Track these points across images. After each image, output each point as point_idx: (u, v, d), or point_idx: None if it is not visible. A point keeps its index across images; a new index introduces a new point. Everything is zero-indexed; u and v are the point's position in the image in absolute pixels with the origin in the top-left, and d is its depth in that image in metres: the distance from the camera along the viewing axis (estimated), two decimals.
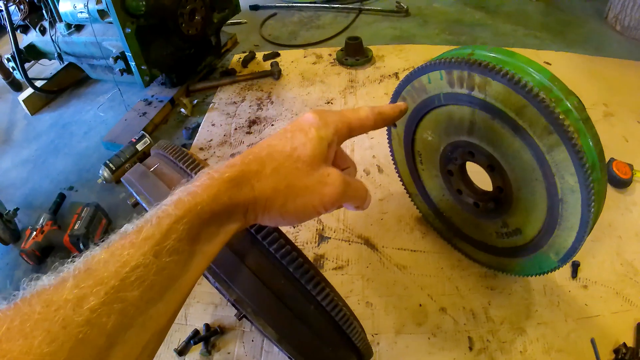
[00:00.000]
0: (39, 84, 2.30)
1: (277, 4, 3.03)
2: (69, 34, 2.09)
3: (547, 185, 0.81)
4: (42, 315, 0.36)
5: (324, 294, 0.62)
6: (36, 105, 2.33)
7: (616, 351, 0.99)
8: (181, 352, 1.08)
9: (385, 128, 1.16)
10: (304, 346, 0.66)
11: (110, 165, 1.65)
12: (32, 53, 2.31)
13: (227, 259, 0.62)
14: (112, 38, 1.92)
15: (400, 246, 1.27)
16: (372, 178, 1.51)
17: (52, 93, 2.37)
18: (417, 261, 1.23)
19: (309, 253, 1.28)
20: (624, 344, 0.99)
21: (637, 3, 2.18)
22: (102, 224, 1.47)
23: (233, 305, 1.01)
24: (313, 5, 2.97)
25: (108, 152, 1.85)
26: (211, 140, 1.81)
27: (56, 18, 2.07)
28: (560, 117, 0.71)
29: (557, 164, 0.76)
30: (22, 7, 2.11)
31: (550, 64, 2.00)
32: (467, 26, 2.57)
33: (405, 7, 2.72)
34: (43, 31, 2.20)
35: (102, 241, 0.44)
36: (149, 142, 1.76)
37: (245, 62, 2.33)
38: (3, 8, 2.05)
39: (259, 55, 2.39)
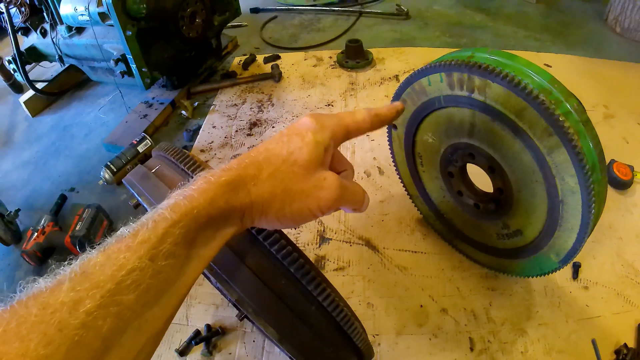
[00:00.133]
0: (40, 86, 2.30)
1: (277, 7, 3.04)
2: (70, 36, 2.09)
3: (547, 186, 0.81)
4: (38, 317, 0.36)
5: (325, 294, 0.63)
6: (37, 107, 2.33)
7: (617, 352, 0.99)
8: (182, 352, 1.08)
9: (386, 130, 1.16)
10: (305, 346, 0.66)
11: (112, 166, 1.65)
12: (33, 55, 2.32)
13: (228, 260, 0.62)
14: (113, 40, 1.93)
15: (401, 247, 1.27)
16: (372, 180, 1.51)
17: (53, 95, 2.38)
18: (418, 262, 1.23)
19: (310, 254, 1.28)
20: (625, 345, 0.99)
21: (637, 5, 2.18)
22: (103, 225, 1.47)
23: (234, 305, 1.01)
24: (313, 8, 2.97)
25: (109, 154, 1.85)
26: (212, 142, 1.81)
27: (57, 20, 2.08)
28: (560, 119, 0.71)
29: (558, 165, 0.76)
30: (23, 9, 2.12)
31: (550, 66, 2.00)
32: (467, 28, 2.57)
33: (406, 9, 2.72)
34: (44, 33, 2.21)
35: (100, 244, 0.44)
36: (150, 144, 1.76)
37: (245, 65, 2.34)
38: (4, 10, 2.05)
39: (260, 58, 2.39)
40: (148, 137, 1.78)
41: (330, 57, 2.31)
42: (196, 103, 2.10)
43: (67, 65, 2.32)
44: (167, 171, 0.75)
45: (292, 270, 0.61)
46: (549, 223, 0.86)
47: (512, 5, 2.79)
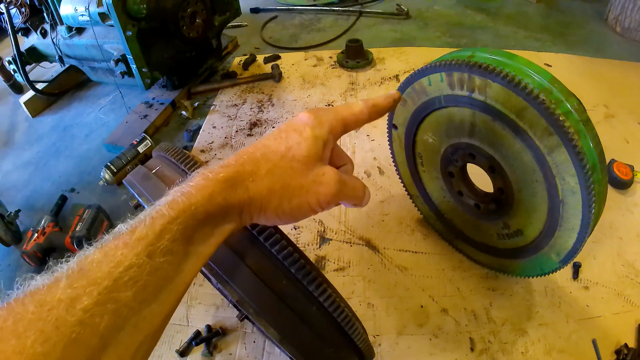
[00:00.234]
0: (40, 86, 2.30)
1: (277, 7, 3.04)
2: (70, 36, 2.09)
3: (547, 186, 0.81)
4: (35, 315, 0.36)
5: (325, 294, 0.62)
6: (37, 107, 2.33)
7: (617, 352, 0.99)
8: (183, 353, 1.08)
9: (386, 130, 1.16)
10: (305, 347, 0.66)
11: (112, 167, 1.65)
12: (33, 56, 2.32)
13: (228, 260, 0.62)
14: (113, 41, 1.93)
15: (402, 248, 1.27)
16: (373, 180, 1.51)
17: (53, 95, 2.38)
18: (418, 262, 1.23)
19: (311, 254, 1.28)
20: (626, 345, 0.99)
21: (637, 5, 2.18)
22: (103, 225, 1.47)
23: (235, 306, 1.01)
24: (314, 8, 2.97)
25: (109, 154, 1.85)
26: (212, 142, 1.81)
27: (57, 21, 2.08)
28: (561, 119, 0.71)
29: (558, 165, 0.76)
30: (23, 10, 2.12)
31: (550, 66, 2.00)
32: (467, 29, 2.57)
33: (406, 9, 2.72)
34: (44, 34, 2.21)
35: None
36: (150, 144, 1.76)
37: (246, 65, 2.34)
38: (4, 11, 2.05)
39: (260, 58, 2.39)
40: (148, 138, 1.78)
41: (331, 57, 2.31)
42: (196, 103, 2.10)
43: (67, 65, 2.32)
44: (167, 171, 0.75)
45: (292, 270, 0.61)
46: (549, 223, 0.85)
47: (512, 6, 2.79)
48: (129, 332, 0.41)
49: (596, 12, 2.58)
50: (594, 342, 1.01)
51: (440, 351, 1.04)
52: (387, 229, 1.33)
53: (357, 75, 2.13)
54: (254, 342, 1.09)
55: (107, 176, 1.65)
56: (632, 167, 1.38)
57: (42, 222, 1.49)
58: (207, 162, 1.69)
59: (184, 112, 2.03)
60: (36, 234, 1.43)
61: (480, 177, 1.03)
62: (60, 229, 1.49)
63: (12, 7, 2.10)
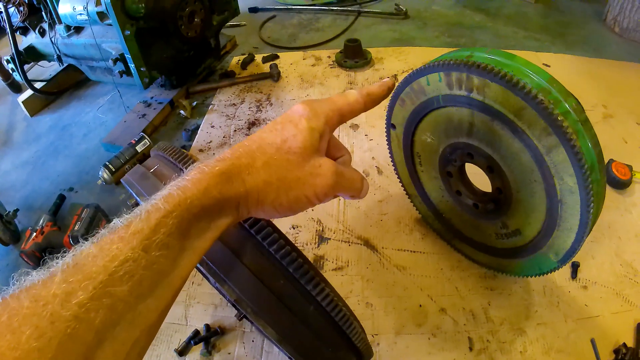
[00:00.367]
0: (38, 85, 2.31)
1: (276, 7, 3.04)
2: (69, 35, 2.09)
3: (546, 186, 0.81)
4: (30, 310, 0.36)
5: (323, 294, 0.62)
6: (36, 106, 2.33)
7: (616, 351, 0.99)
8: (181, 352, 1.08)
9: (385, 130, 1.16)
10: (304, 346, 0.66)
11: (110, 166, 1.65)
12: (32, 55, 2.31)
13: (226, 259, 0.62)
14: (111, 40, 1.93)
15: (400, 247, 1.27)
16: (371, 179, 1.51)
17: (52, 95, 2.38)
18: (416, 262, 1.23)
19: (309, 254, 1.28)
20: (624, 344, 0.99)
21: (636, 5, 2.19)
22: (102, 225, 1.47)
23: (233, 305, 1.01)
24: (312, 7, 2.97)
25: (108, 153, 1.85)
26: (210, 141, 1.81)
27: (55, 20, 2.07)
28: (559, 119, 0.71)
29: (556, 165, 0.76)
30: (21, 8, 2.11)
31: (549, 66, 2.00)
32: (466, 29, 2.57)
33: (404, 9, 2.72)
34: (42, 33, 2.21)
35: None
36: (148, 143, 1.76)
37: (244, 64, 2.34)
38: (2, 10, 2.05)
39: (258, 58, 2.39)
40: (147, 137, 1.77)
41: (329, 57, 2.31)
42: (195, 103, 2.10)
43: (65, 64, 2.32)
44: (165, 171, 0.75)
45: (290, 270, 0.61)
46: (547, 223, 0.86)
47: (511, 6, 2.80)
48: (125, 327, 0.40)
49: (595, 12, 2.58)
50: (592, 341, 1.01)
51: (438, 351, 1.04)
52: (386, 228, 1.33)
53: (356, 75, 2.13)
54: (253, 341, 1.09)
55: (105, 175, 1.65)
56: (630, 167, 1.38)
57: (41, 222, 1.49)
58: (203, 160, 1.68)
59: (182, 112, 2.03)
60: (34, 234, 1.43)
61: (478, 177, 1.03)
62: (59, 229, 1.49)
63: (11, 5, 2.09)
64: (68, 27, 2.08)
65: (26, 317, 0.35)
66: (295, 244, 0.67)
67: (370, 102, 0.64)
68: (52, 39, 2.13)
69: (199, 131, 1.89)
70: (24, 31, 2.30)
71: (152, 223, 0.43)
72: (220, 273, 0.62)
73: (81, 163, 1.89)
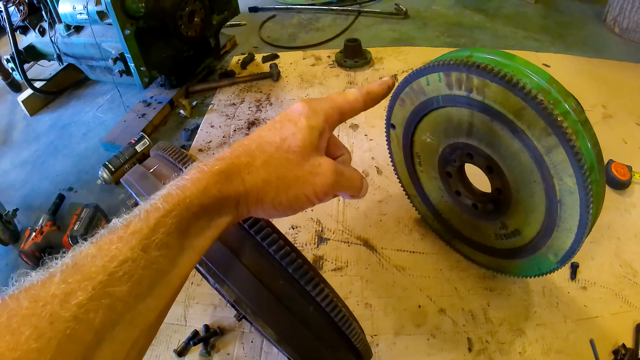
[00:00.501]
0: (38, 84, 2.30)
1: (276, 6, 3.03)
2: (69, 35, 2.09)
3: (545, 186, 0.81)
4: (29, 310, 0.35)
5: (323, 294, 0.62)
6: (35, 106, 2.33)
7: (615, 352, 0.99)
8: (181, 353, 1.08)
9: (384, 130, 1.16)
10: (303, 347, 0.66)
11: (110, 166, 1.65)
12: (32, 54, 2.31)
13: (226, 260, 0.62)
14: (111, 39, 1.92)
15: (399, 247, 1.27)
16: (371, 180, 1.51)
17: (52, 94, 2.38)
18: (416, 262, 1.23)
19: (308, 254, 1.28)
20: (623, 345, 0.99)
21: (636, 6, 2.19)
22: (101, 224, 1.47)
23: (232, 306, 1.01)
24: (312, 7, 2.97)
25: (107, 153, 1.85)
26: (210, 141, 1.81)
27: (55, 19, 2.07)
28: (559, 119, 0.71)
29: (556, 165, 0.76)
30: (21, 8, 2.11)
31: (549, 66, 2.00)
32: (466, 29, 2.57)
33: (404, 9, 2.72)
34: (42, 32, 2.21)
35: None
36: (148, 143, 1.76)
37: (244, 64, 2.34)
38: (2, 9, 2.05)
39: (258, 57, 2.39)
40: (146, 137, 1.77)
41: (329, 57, 2.31)
42: (194, 102, 2.10)
43: (65, 64, 2.32)
44: (165, 171, 0.75)
45: (290, 270, 0.61)
46: (547, 223, 0.86)
47: (511, 6, 2.80)
48: (124, 327, 0.40)
49: (595, 12, 2.58)
50: (591, 342, 1.01)
51: (437, 351, 1.04)
52: (385, 228, 1.33)
53: (356, 75, 2.13)
54: (252, 341, 1.09)
55: (105, 175, 1.65)
56: (630, 168, 1.38)
57: (40, 221, 1.48)
58: (203, 159, 1.68)
59: (182, 111, 2.03)
60: (34, 233, 1.43)
61: (478, 177, 1.03)
62: (58, 228, 1.49)
63: (11, 5, 2.09)
64: (68, 27, 2.08)
65: (25, 318, 0.35)
66: (295, 245, 0.67)
67: (370, 101, 0.64)
68: (52, 38, 2.13)
69: (198, 131, 1.89)
70: (24, 30, 2.30)
71: (151, 223, 0.43)
72: (220, 273, 0.62)
73: (81, 163, 1.88)
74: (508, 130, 0.81)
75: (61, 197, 1.65)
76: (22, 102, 2.27)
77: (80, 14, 1.90)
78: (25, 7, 2.12)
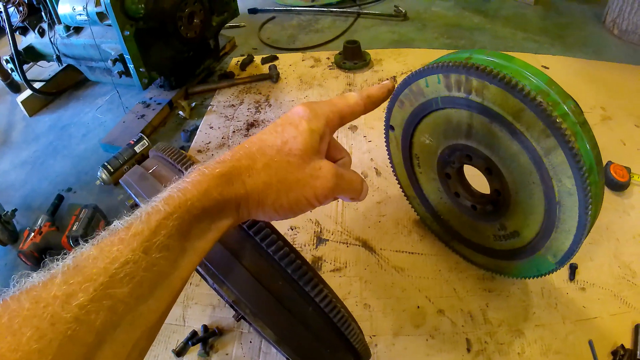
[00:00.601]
0: (37, 85, 2.30)
1: (275, 8, 3.04)
2: (68, 36, 2.09)
3: (544, 188, 0.81)
4: (30, 311, 0.36)
5: (322, 295, 0.63)
6: (35, 107, 2.33)
7: (614, 353, 0.99)
8: (179, 353, 1.08)
9: (383, 131, 1.16)
10: (302, 347, 0.66)
11: (109, 167, 1.65)
12: (31, 55, 2.31)
13: (225, 261, 0.62)
14: (111, 41, 1.92)
15: (398, 248, 1.27)
16: (370, 181, 1.51)
17: (51, 95, 2.38)
18: (414, 263, 1.23)
19: (307, 255, 1.28)
20: (622, 346, 0.99)
21: (635, 7, 2.19)
22: (100, 225, 1.47)
23: (231, 306, 1.01)
24: (312, 9, 2.97)
25: (106, 154, 1.84)
26: (209, 142, 1.81)
27: (55, 20, 2.07)
28: (558, 121, 0.71)
29: (555, 167, 0.76)
30: (21, 8, 2.11)
31: (548, 68, 2.00)
32: (465, 30, 2.58)
33: (404, 11, 2.73)
34: (42, 33, 2.21)
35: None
36: (147, 144, 1.76)
37: (243, 65, 2.34)
38: (2, 10, 2.05)
39: (257, 59, 2.39)
40: (145, 138, 1.77)
41: (328, 58, 2.31)
42: (194, 103, 2.10)
43: (64, 65, 2.31)
44: (164, 171, 0.75)
45: (289, 271, 0.61)
46: (546, 224, 0.86)
47: (510, 7, 2.80)
48: (126, 329, 0.40)
49: (594, 14, 2.59)
50: (590, 343, 1.01)
51: (436, 352, 1.04)
52: (384, 230, 1.33)
53: (355, 77, 2.13)
54: (251, 342, 1.09)
55: (104, 176, 1.65)
56: (629, 169, 1.38)
57: (39, 222, 1.48)
58: (204, 162, 1.69)
59: (181, 113, 2.03)
60: (33, 234, 1.43)
61: (477, 179, 1.03)
62: (57, 229, 1.49)
63: (10, 5, 2.09)
64: (67, 28, 2.08)
65: (27, 319, 0.35)
66: (294, 245, 0.67)
67: (371, 104, 0.64)
68: (52, 39, 2.13)
69: (197, 132, 1.89)
70: (24, 31, 2.29)
71: (152, 225, 0.43)
72: (219, 274, 0.62)
73: (80, 163, 1.88)
74: (507, 131, 0.81)
75: (60, 198, 1.65)
76: (22, 102, 2.27)
77: (80, 15, 1.90)
78: (25, 8, 2.12)
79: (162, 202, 0.45)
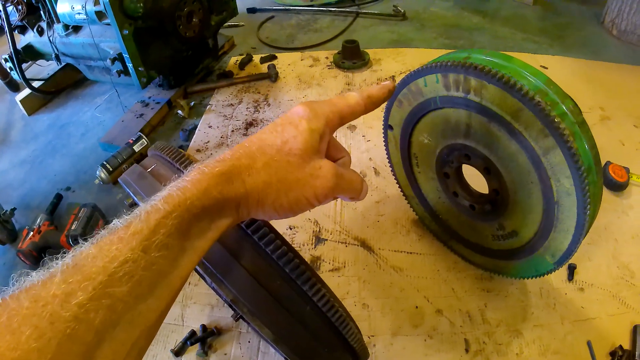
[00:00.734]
0: (36, 84, 2.30)
1: (274, 7, 3.04)
2: (67, 35, 2.09)
3: (542, 188, 0.81)
4: (30, 310, 0.36)
5: (319, 294, 0.63)
6: (33, 105, 2.33)
7: (612, 354, 0.99)
8: (178, 352, 1.08)
9: (382, 131, 1.16)
10: (300, 347, 0.66)
11: (107, 166, 1.65)
12: (30, 54, 2.31)
13: (223, 260, 0.62)
14: (109, 40, 1.92)
15: (397, 248, 1.27)
16: (368, 180, 1.51)
17: (50, 94, 2.37)
18: (413, 263, 1.23)
19: (306, 255, 1.28)
20: (620, 347, 0.99)
21: (634, 8, 2.19)
22: (99, 224, 1.47)
23: (230, 306, 1.01)
24: (310, 8, 2.97)
25: (105, 153, 1.85)
26: (208, 142, 1.81)
27: (54, 19, 2.07)
28: (556, 121, 0.71)
29: (553, 167, 0.76)
30: (20, 7, 2.11)
31: (547, 68, 2.01)
32: (464, 30, 2.58)
33: (403, 11, 2.73)
34: (41, 32, 2.20)
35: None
36: (145, 143, 1.76)
37: (242, 65, 2.33)
38: (1, 8, 2.04)
39: (256, 58, 2.39)
40: (144, 137, 1.77)
41: (327, 58, 2.31)
42: (192, 103, 2.10)
43: (63, 64, 2.31)
44: (162, 170, 0.75)
45: (287, 270, 0.61)
46: (544, 224, 0.86)
47: (509, 8, 2.80)
48: (125, 327, 0.40)
49: (593, 14, 2.59)
50: (588, 343, 1.01)
51: (435, 352, 1.04)
52: (383, 229, 1.33)
53: (354, 76, 2.13)
54: (249, 342, 1.09)
55: (102, 175, 1.65)
56: (627, 169, 1.38)
57: (38, 221, 1.48)
58: (203, 161, 1.68)
59: (180, 112, 2.03)
60: (32, 233, 1.43)
61: (475, 179, 1.03)
62: (56, 228, 1.49)
63: (9, 4, 2.09)
64: (66, 27, 2.07)
65: (26, 318, 0.35)
66: (293, 245, 0.67)
67: (371, 105, 0.64)
68: (51, 38, 2.13)
69: (196, 131, 1.89)
70: (22, 30, 2.29)
71: (151, 224, 0.43)
72: (217, 273, 0.62)
73: (79, 162, 1.88)
74: (505, 131, 0.81)
75: (59, 197, 1.65)
76: (20, 101, 2.27)
77: (79, 14, 1.89)
78: (24, 7, 2.11)
79: (162, 200, 0.45)
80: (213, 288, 0.91)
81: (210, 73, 2.33)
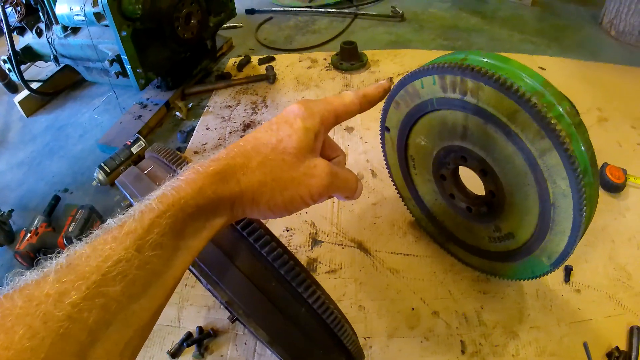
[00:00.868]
0: (34, 85, 2.30)
1: (273, 8, 3.04)
2: (65, 36, 2.09)
3: (539, 189, 0.81)
4: (23, 310, 0.36)
5: (314, 296, 0.63)
6: (32, 107, 2.33)
7: (609, 355, 0.99)
8: (174, 354, 1.08)
9: (379, 133, 1.16)
10: (295, 348, 0.66)
11: (105, 167, 1.65)
12: (29, 55, 2.31)
13: (218, 261, 0.62)
14: (108, 41, 1.92)
15: (393, 250, 1.27)
16: (365, 182, 1.51)
17: (48, 95, 2.37)
18: (410, 265, 1.23)
19: (302, 256, 1.28)
20: (617, 348, 0.99)
21: (632, 9, 2.19)
22: (96, 226, 1.46)
23: (226, 307, 1.01)
24: (309, 9, 2.97)
25: (103, 154, 1.85)
26: (206, 143, 1.81)
27: (53, 20, 2.07)
28: (552, 122, 0.71)
29: (549, 168, 0.76)
30: (18, 9, 2.11)
31: (544, 69, 2.01)
32: (462, 31, 2.58)
33: (401, 12, 2.73)
34: (39, 33, 2.20)
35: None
36: (143, 145, 1.76)
37: (240, 66, 2.33)
38: (0, 10, 2.04)
39: (254, 59, 2.39)
40: (142, 138, 1.77)
41: (325, 59, 2.31)
42: (190, 104, 2.10)
43: (62, 65, 2.31)
44: (159, 172, 0.75)
45: (282, 272, 0.61)
46: (540, 226, 0.86)
47: (507, 9, 2.80)
48: (118, 327, 0.40)
49: (591, 15, 2.59)
50: (585, 345, 1.01)
51: (431, 354, 1.04)
52: (379, 231, 1.33)
53: (352, 78, 2.13)
54: (245, 343, 1.09)
55: (100, 177, 1.65)
56: (624, 171, 1.39)
57: (35, 222, 1.48)
58: (198, 161, 1.68)
59: (178, 113, 2.03)
60: (29, 234, 1.43)
61: (472, 180, 1.03)
62: (53, 229, 1.49)
63: (8, 6, 2.09)
64: (65, 28, 2.08)
65: (19, 317, 0.35)
66: (289, 247, 0.67)
67: (366, 104, 0.64)
68: (49, 40, 2.13)
69: (194, 133, 1.89)
70: (21, 31, 2.29)
71: (145, 223, 0.43)
72: (213, 275, 0.62)
73: (76, 164, 1.88)
74: (502, 133, 0.81)
75: (56, 198, 1.65)
76: (19, 103, 2.27)
77: (77, 15, 1.90)
78: (23, 8, 2.11)
79: (156, 200, 0.45)
80: (209, 290, 0.91)
81: (209, 74, 2.33)
